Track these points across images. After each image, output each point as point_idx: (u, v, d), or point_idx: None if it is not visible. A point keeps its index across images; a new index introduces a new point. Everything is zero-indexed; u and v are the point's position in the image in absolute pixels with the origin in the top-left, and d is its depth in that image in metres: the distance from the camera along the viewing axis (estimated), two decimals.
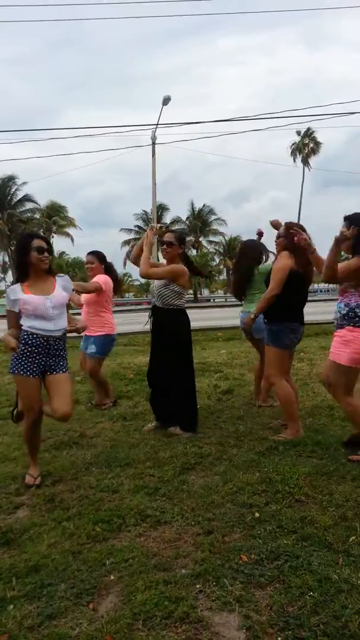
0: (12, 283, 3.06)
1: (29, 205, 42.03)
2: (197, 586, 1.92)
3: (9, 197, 40.77)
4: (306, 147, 45.66)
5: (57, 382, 2.93)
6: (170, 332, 3.88)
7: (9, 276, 44.38)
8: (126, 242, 45.08)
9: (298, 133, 44.48)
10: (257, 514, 2.45)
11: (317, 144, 45.83)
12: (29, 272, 2.91)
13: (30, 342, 2.85)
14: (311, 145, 45.71)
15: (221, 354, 7.96)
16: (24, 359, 2.86)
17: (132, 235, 45.17)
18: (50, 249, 2.95)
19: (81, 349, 4.92)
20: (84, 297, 4.56)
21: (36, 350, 2.86)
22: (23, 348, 2.85)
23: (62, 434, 3.93)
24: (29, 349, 2.85)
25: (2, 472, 3.19)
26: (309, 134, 44.58)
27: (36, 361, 2.87)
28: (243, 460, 3.18)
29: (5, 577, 2.04)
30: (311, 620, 1.69)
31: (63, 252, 45.76)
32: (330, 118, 15.43)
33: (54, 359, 2.93)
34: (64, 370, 2.96)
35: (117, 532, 2.37)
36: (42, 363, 2.89)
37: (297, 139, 45.37)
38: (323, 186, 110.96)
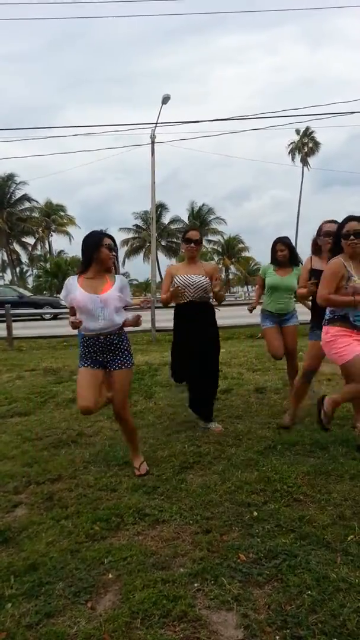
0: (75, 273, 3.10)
1: (28, 204, 42.01)
2: (195, 585, 1.92)
3: (8, 196, 40.72)
4: (305, 146, 45.69)
5: (112, 378, 2.99)
6: (209, 323, 4.02)
7: (8, 274, 44.41)
8: (125, 242, 45.07)
9: (297, 132, 44.52)
10: (255, 513, 2.45)
11: (316, 143, 45.90)
12: (91, 267, 2.96)
13: (85, 342, 2.98)
14: (310, 144, 45.75)
15: (220, 353, 7.95)
16: (83, 356, 2.99)
17: (131, 235, 45.22)
18: (115, 248, 3.07)
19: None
20: None
21: (91, 349, 2.95)
22: (82, 349, 3.01)
23: (61, 433, 3.93)
24: (84, 348, 2.99)
25: (0, 470, 3.19)
26: (307, 133, 44.62)
27: (91, 357, 2.96)
28: (241, 459, 3.18)
29: (3, 575, 2.04)
30: (309, 619, 1.70)
31: (62, 251, 45.77)
32: (331, 117, 15.43)
33: (109, 354, 2.96)
34: (119, 366, 2.97)
35: (115, 530, 2.38)
36: (99, 359, 2.96)
37: (296, 138, 45.41)
38: (323, 185, 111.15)
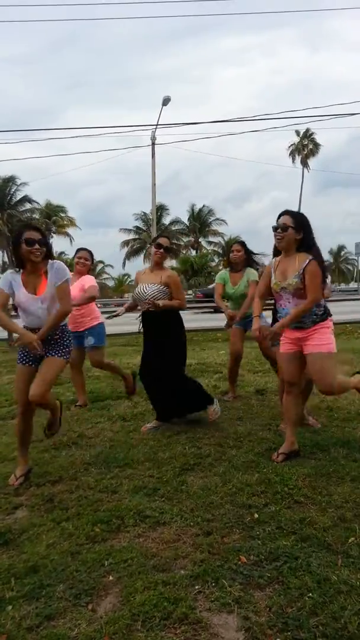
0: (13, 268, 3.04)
1: (28, 206, 42.06)
2: (196, 587, 1.92)
3: (8, 197, 40.76)
4: (305, 148, 45.71)
5: (45, 362, 2.95)
6: (163, 331, 3.98)
7: None
8: (125, 243, 45.08)
9: (297, 133, 44.55)
10: (256, 515, 2.45)
11: (316, 145, 45.90)
12: (24, 264, 2.91)
13: None
14: (310, 146, 45.77)
15: (220, 354, 7.96)
16: (21, 350, 2.99)
17: (131, 236, 45.20)
18: (42, 240, 2.86)
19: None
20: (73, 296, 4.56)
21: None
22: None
23: (62, 435, 3.93)
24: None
25: (0, 472, 3.19)
26: (307, 135, 44.65)
27: (28, 351, 2.95)
28: (242, 461, 3.18)
29: (4, 577, 2.04)
30: (310, 622, 1.69)
31: (62, 252, 45.80)
32: (330, 119, 15.44)
33: (47, 346, 2.96)
34: (52, 354, 2.96)
35: (116, 532, 2.37)
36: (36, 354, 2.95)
37: (296, 139, 45.44)
38: (324, 187, 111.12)
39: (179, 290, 3.98)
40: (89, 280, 4.70)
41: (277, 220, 3.14)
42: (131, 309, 4.20)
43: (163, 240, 4.07)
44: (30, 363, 2.98)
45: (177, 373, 4.00)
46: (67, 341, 3.06)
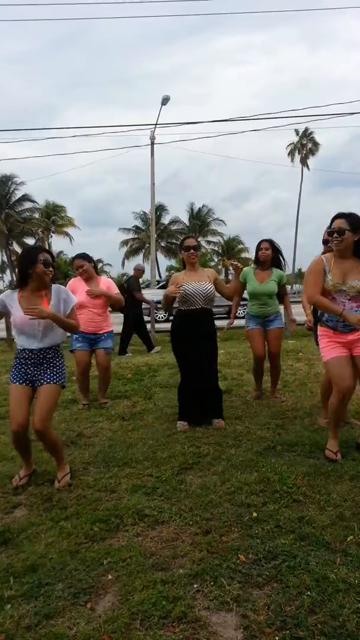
0: (10, 287, 3.06)
1: (27, 205, 41.98)
2: (195, 586, 1.92)
3: (7, 197, 40.70)
4: (304, 147, 45.69)
5: (38, 393, 2.93)
6: (214, 330, 4.19)
7: (8, 275, 44.35)
8: (125, 242, 45.06)
9: (296, 132, 44.53)
10: (254, 514, 2.45)
11: (316, 144, 45.87)
12: (29, 282, 2.92)
13: (19, 355, 2.98)
14: (309, 145, 45.75)
15: (219, 354, 7.94)
16: (15, 370, 2.97)
17: (130, 235, 45.18)
18: (53, 263, 2.97)
19: (82, 348, 4.74)
20: (94, 301, 4.69)
21: (23, 362, 2.95)
22: (16, 361, 2.99)
23: (60, 434, 3.92)
24: (17, 360, 2.98)
25: (0, 471, 3.19)
26: (307, 134, 44.63)
27: (22, 370, 2.95)
28: (241, 460, 3.18)
29: (2, 576, 2.04)
30: (309, 620, 1.70)
31: (61, 252, 45.76)
32: (330, 118, 15.46)
33: (39, 368, 2.94)
34: (47, 381, 2.93)
35: (114, 531, 2.37)
36: (29, 372, 2.94)
37: (296, 139, 45.42)
38: (324, 186, 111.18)
39: (223, 283, 4.20)
40: (109, 283, 4.90)
41: (330, 225, 3.11)
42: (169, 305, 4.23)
43: (188, 242, 4.10)
44: (25, 382, 2.93)
45: (216, 372, 4.25)
46: (60, 363, 3.03)
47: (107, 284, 4.87)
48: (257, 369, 4.88)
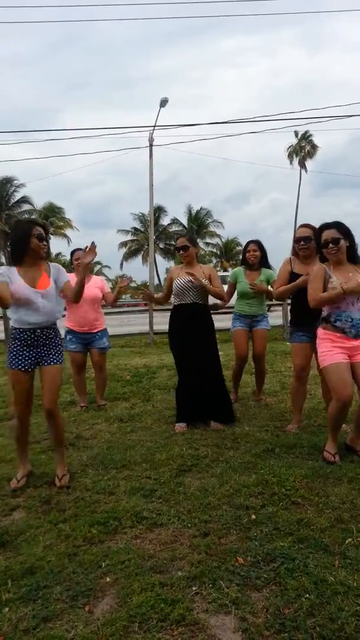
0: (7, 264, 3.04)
1: (26, 207, 41.99)
2: (193, 588, 1.92)
3: (6, 198, 40.72)
4: (302, 149, 45.79)
5: (45, 374, 2.93)
6: (210, 324, 4.18)
7: None
8: (123, 244, 45.07)
9: (295, 134, 44.64)
10: (253, 516, 2.45)
11: (314, 146, 45.98)
12: (24, 258, 2.89)
13: (18, 336, 2.91)
14: (308, 148, 45.86)
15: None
16: (15, 353, 2.91)
17: (129, 237, 45.20)
18: (47, 237, 2.96)
19: (76, 349, 4.75)
20: (89, 294, 4.56)
21: (24, 343, 2.89)
22: (13, 342, 2.91)
23: None
24: (18, 343, 2.90)
25: None
26: (305, 136, 44.74)
27: (24, 354, 2.90)
28: (239, 462, 3.18)
29: (0, 579, 2.03)
30: (307, 623, 1.69)
31: (59, 253, 45.72)
32: (328, 121, 15.49)
33: (44, 349, 2.93)
34: (49, 362, 2.93)
35: (113, 534, 2.37)
36: (32, 354, 2.91)
37: (294, 141, 45.54)
38: (323, 188, 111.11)
39: (218, 281, 4.19)
40: (101, 283, 4.87)
41: (321, 237, 3.15)
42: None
43: (179, 242, 4.20)
44: (25, 368, 2.90)
45: (219, 372, 4.19)
46: (60, 341, 3.04)
47: (98, 283, 4.85)
48: (237, 371, 4.90)
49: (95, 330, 4.76)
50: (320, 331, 3.25)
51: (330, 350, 3.12)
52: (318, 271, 3.21)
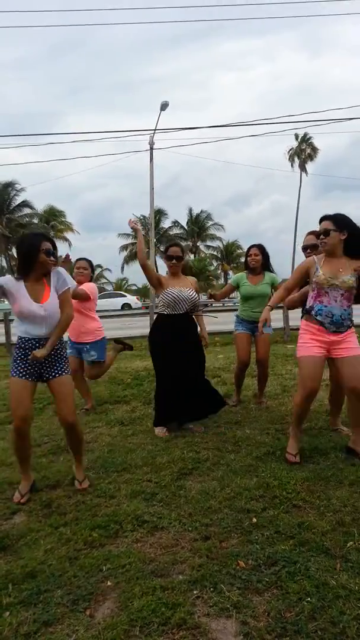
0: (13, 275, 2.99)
1: (27, 210, 42.08)
2: (195, 592, 1.91)
3: (7, 202, 40.82)
4: (303, 152, 45.87)
5: (58, 386, 2.88)
6: (196, 333, 4.21)
7: None
8: (124, 247, 45.13)
9: (296, 137, 44.72)
10: (254, 520, 2.45)
11: (314, 149, 46.05)
12: (31, 272, 2.86)
13: (23, 345, 2.86)
14: (308, 150, 45.93)
15: (219, 358, 7.96)
16: (19, 361, 2.86)
17: (130, 240, 45.27)
18: (55, 252, 2.92)
19: (71, 354, 4.70)
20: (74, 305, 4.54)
21: (25, 353, 2.84)
22: (18, 352, 2.87)
23: (59, 439, 3.92)
24: (22, 352, 2.86)
25: None
26: (305, 139, 44.82)
27: (25, 363, 2.84)
28: (240, 465, 3.17)
29: (1, 583, 2.03)
30: (309, 626, 1.69)
31: (60, 256, 45.70)
32: (329, 123, 15.52)
33: (49, 359, 2.87)
34: (58, 373, 2.89)
35: (114, 537, 2.36)
36: (36, 366, 2.85)
37: (295, 144, 45.61)
38: (324, 191, 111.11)
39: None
40: (86, 286, 4.70)
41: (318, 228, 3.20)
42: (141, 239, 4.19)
43: (172, 251, 4.08)
44: (28, 377, 2.84)
45: (203, 374, 4.23)
46: (64, 353, 3.00)
47: (89, 287, 4.70)
48: (239, 375, 4.89)
49: (83, 342, 4.64)
50: (302, 322, 3.30)
51: (307, 342, 3.19)
52: (304, 263, 3.29)
